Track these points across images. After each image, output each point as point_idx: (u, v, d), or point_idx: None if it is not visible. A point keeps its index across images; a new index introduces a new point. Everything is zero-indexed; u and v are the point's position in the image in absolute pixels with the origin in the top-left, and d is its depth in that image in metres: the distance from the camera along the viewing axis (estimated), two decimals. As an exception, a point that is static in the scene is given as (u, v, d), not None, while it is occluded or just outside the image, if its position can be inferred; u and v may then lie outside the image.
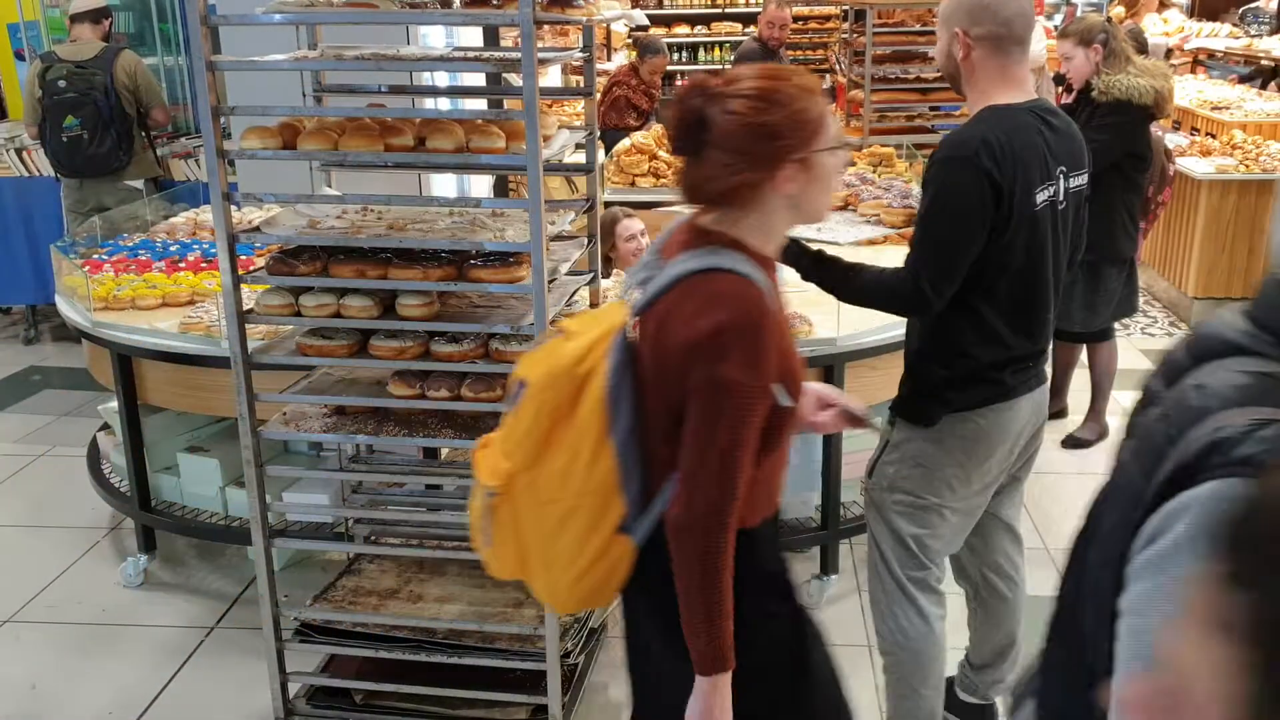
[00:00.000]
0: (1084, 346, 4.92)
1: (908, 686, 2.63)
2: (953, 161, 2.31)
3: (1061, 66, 4.56)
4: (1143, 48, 7.50)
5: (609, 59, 8.93)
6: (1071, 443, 4.87)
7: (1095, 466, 4.69)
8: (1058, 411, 5.13)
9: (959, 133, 2.37)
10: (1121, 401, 5.25)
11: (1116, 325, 4.90)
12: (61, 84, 5.65)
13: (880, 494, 2.58)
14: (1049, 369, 2.61)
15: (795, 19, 8.78)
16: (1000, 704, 2.92)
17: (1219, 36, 9.27)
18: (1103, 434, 4.91)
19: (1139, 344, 6.17)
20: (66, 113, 5.64)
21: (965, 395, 2.45)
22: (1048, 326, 2.50)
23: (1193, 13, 10.56)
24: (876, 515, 2.61)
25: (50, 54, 5.88)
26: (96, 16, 5.88)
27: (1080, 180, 2.48)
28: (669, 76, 11.66)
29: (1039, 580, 3.78)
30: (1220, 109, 7.82)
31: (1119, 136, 4.37)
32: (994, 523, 2.75)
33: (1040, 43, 8.49)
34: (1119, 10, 8.41)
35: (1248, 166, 6.26)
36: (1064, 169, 2.41)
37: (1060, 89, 4.84)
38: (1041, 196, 2.34)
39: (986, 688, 2.90)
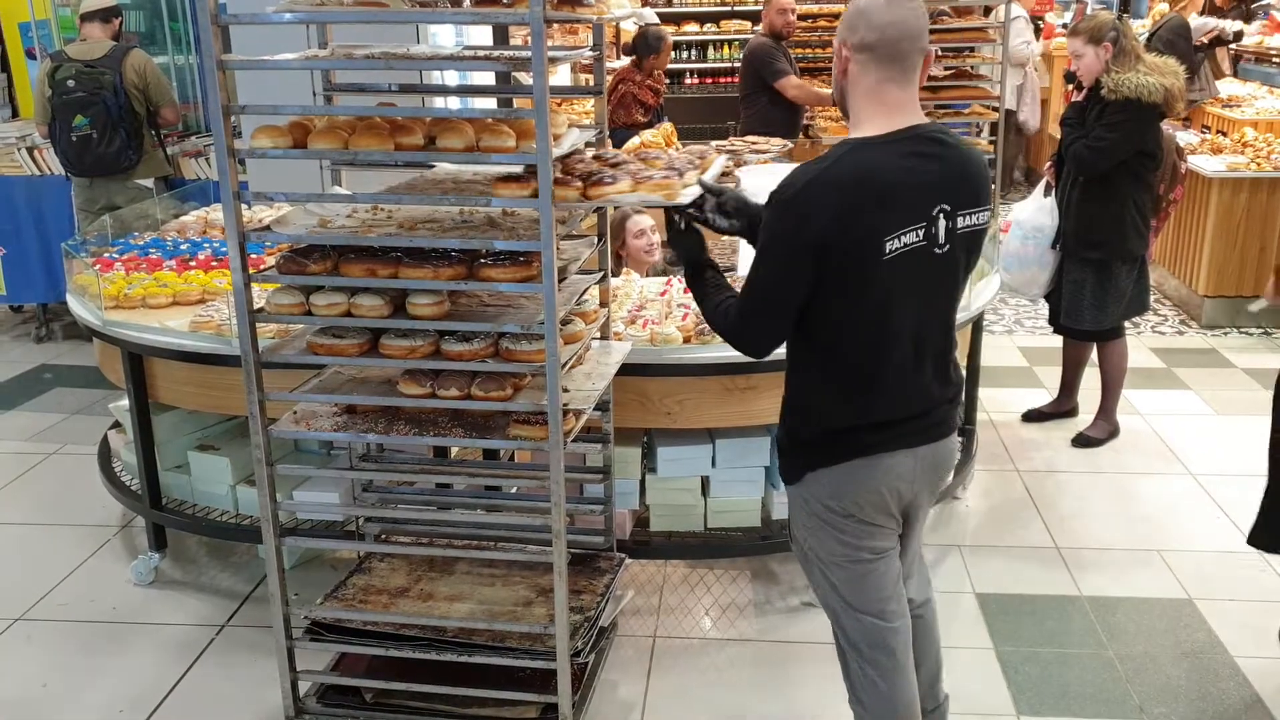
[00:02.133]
0: (1094, 345, 4.90)
1: None
2: (776, 203, 2.17)
3: (1072, 64, 4.55)
4: (1186, 43, 7.47)
5: (618, 57, 8.92)
6: (1082, 441, 4.86)
7: (1105, 465, 4.68)
8: (1069, 410, 5.11)
9: (796, 170, 2.19)
10: (1132, 400, 5.24)
11: (1127, 324, 4.88)
12: (70, 83, 5.67)
13: (804, 558, 2.48)
14: (952, 421, 2.41)
15: (803, 17, 8.75)
16: None
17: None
18: (1113, 433, 4.89)
19: (1149, 342, 6.15)
20: (75, 112, 5.66)
21: (821, 454, 2.32)
22: (925, 377, 2.30)
23: (1204, 10, 10.54)
24: (811, 576, 2.50)
25: (60, 53, 5.90)
26: (106, 15, 5.89)
27: (974, 219, 2.24)
28: (678, 74, 11.66)
29: (1053, 581, 3.79)
30: (1231, 106, 7.79)
31: (1128, 135, 4.36)
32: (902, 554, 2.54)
33: (1021, 38, 8.48)
34: (1163, 6, 8.34)
35: (1259, 164, 6.23)
36: (946, 206, 2.17)
37: (1070, 86, 4.82)
38: (896, 243, 2.12)
39: None
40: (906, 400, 2.29)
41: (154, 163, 6.00)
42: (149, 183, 5.98)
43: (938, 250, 2.18)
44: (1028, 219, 4.72)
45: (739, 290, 2.34)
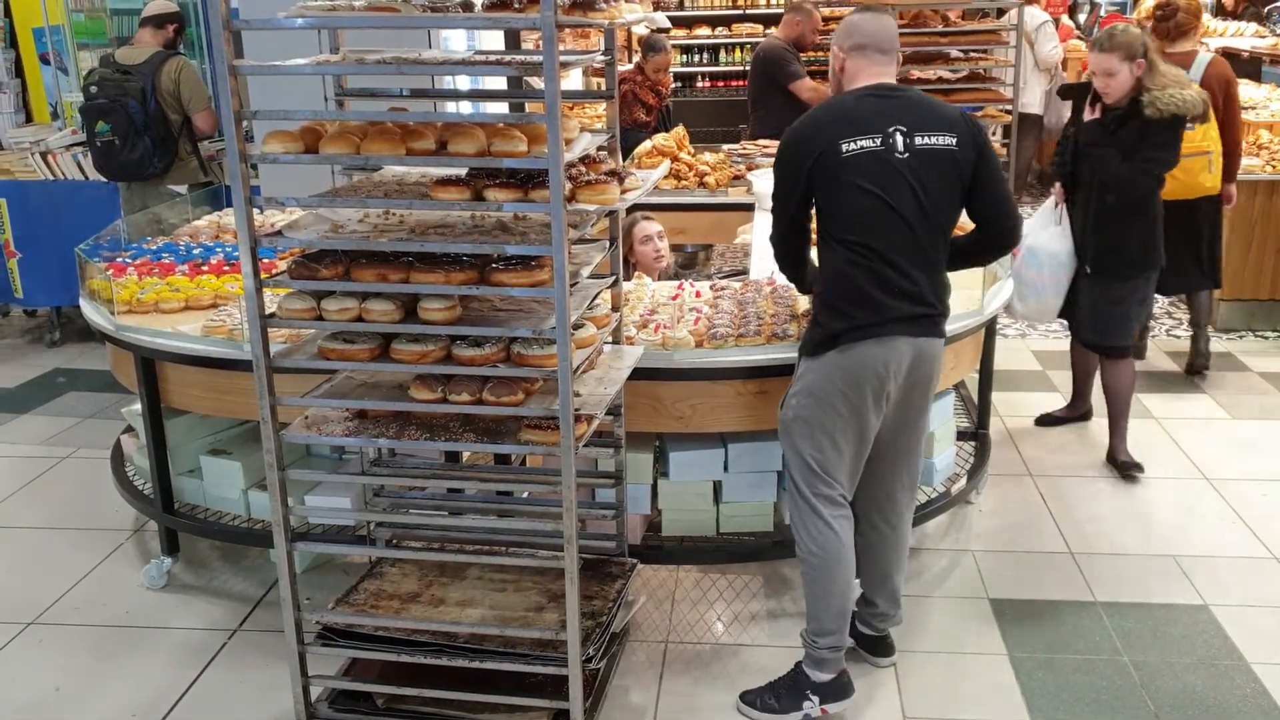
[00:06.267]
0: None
1: (820, 587, 2.99)
2: (780, 144, 2.99)
3: (1099, 82, 4.35)
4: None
5: (630, 61, 8.93)
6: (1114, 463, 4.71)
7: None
8: (1083, 414, 5.08)
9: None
10: (1147, 405, 5.21)
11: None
12: (93, 90, 5.70)
13: (786, 422, 3.00)
14: (939, 326, 2.96)
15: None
16: (892, 635, 3.32)
17: (1245, 36, 9.17)
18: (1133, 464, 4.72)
19: (1165, 346, 6.12)
20: (97, 118, 5.69)
21: (838, 326, 2.87)
22: (915, 270, 2.87)
23: (1216, 12, 10.48)
24: (785, 440, 3.02)
25: (107, 57, 5.95)
26: (160, 22, 5.92)
27: (934, 140, 2.85)
28: (689, 78, 11.66)
29: (1068, 587, 3.76)
30: (1246, 109, 7.73)
31: (1176, 151, 4.28)
32: (887, 466, 3.10)
33: (1051, 43, 8.42)
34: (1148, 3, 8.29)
35: (1274, 167, 6.19)
36: (903, 127, 2.83)
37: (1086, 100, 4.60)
38: (851, 146, 2.81)
39: (877, 620, 3.27)
40: (906, 287, 2.85)
41: (187, 170, 5.99)
42: (183, 188, 5.98)
43: (898, 155, 2.82)
44: (1042, 246, 4.53)
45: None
